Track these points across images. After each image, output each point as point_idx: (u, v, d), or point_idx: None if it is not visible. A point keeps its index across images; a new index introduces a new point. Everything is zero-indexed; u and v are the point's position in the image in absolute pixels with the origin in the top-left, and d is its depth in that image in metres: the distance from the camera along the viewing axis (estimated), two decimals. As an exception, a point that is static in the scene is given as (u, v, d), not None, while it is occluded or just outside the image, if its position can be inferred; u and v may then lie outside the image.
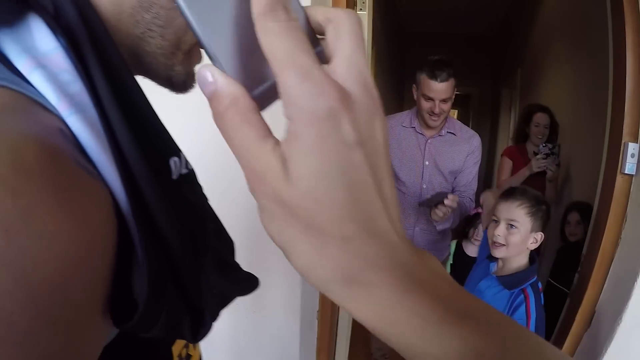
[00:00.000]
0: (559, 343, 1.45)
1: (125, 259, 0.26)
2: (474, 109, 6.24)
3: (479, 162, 1.85)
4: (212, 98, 0.21)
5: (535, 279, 1.25)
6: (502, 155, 2.51)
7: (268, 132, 0.21)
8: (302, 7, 0.24)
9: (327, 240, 0.20)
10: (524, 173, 2.26)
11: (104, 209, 0.25)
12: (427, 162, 1.83)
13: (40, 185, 0.20)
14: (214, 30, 0.21)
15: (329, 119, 0.19)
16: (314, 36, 0.24)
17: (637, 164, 1.26)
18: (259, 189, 0.21)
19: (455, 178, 1.85)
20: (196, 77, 0.21)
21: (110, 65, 0.28)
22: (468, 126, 1.89)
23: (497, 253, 1.26)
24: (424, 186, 1.84)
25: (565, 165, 2.43)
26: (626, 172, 1.27)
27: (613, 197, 1.30)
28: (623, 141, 1.29)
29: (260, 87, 0.22)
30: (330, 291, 0.21)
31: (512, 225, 1.24)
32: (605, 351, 1.23)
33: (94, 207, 0.24)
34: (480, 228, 2.10)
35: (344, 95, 0.19)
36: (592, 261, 1.37)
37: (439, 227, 1.78)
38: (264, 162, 0.20)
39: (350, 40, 0.22)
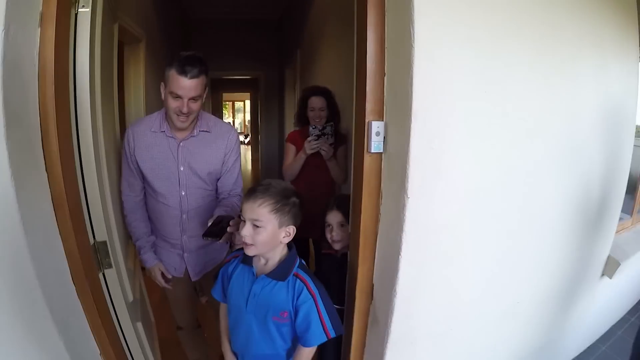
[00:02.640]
0: (350, 318, 1.43)
1: None
2: (262, 92, 6.30)
3: (240, 156, 1.71)
4: None
5: (298, 261, 1.28)
6: (285, 141, 2.45)
7: None
8: None
9: None
10: (300, 156, 2.26)
11: None
12: (182, 168, 1.59)
13: None
14: None
15: None
16: None
17: (383, 142, 1.25)
18: None
19: (218, 179, 1.67)
20: None
21: None
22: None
23: (249, 252, 1.21)
24: (183, 193, 1.62)
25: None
26: (372, 150, 1.24)
27: (364, 177, 1.26)
28: (367, 120, 1.25)
29: None
30: None
31: (257, 225, 1.18)
32: (391, 321, 1.24)
33: None
34: None
35: None
36: (356, 239, 1.34)
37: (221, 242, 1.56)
38: None
39: None
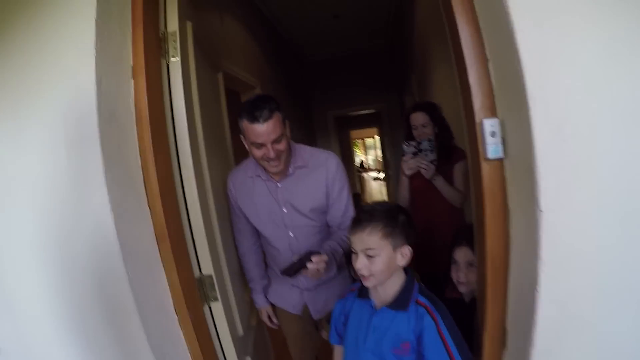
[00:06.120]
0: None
1: None
2: (386, 124, 6.16)
3: (346, 183, 1.52)
4: None
5: (417, 285, 1.15)
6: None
7: None
8: None
9: None
10: (402, 179, 1.99)
11: None
12: (284, 209, 1.50)
13: None
14: None
15: None
16: None
17: (502, 144, 0.94)
18: None
19: (325, 212, 1.53)
20: None
21: None
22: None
23: (368, 283, 1.12)
24: (291, 234, 1.52)
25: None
26: (490, 156, 0.94)
27: (484, 192, 0.96)
28: (477, 119, 0.97)
29: None
30: None
31: (370, 255, 1.08)
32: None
33: None
34: None
35: None
36: (483, 273, 1.02)
37: (323, 278, 1.46)
38: None
39: None
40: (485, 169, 0.97)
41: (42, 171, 1.16)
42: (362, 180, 12.47)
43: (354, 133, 12.29)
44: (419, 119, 2.02)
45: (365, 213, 1.13)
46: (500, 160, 0.96)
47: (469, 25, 0.97)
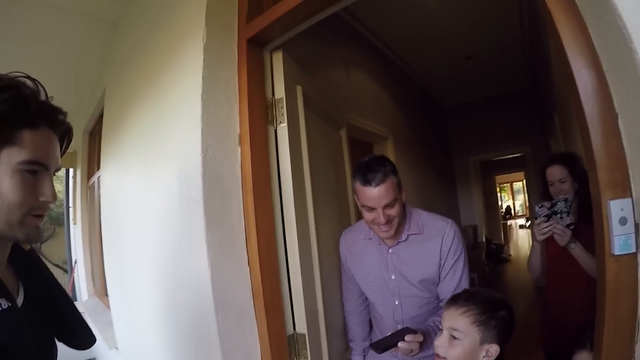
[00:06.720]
0: None
1: None
2: (530, 169, 5.42)
3: (463, 254, 1.38)
4: None
5: None
6: None
7: None
8: None
9: None
10: (534, 246, 1.70)
11: None
12: (393, 276, 1.41)
13: None
14: None
15: None
16: None
17: (636, 235, 0.71)
18: None
19: (437, 284, 1.40)
20: None
21: None
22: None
23: None
24: (396, 302, 1.42)
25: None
26: (617, 252, 0.72)
27: (606, 296, 0.74)
28: (602, 199, 0.76)
29: None
30: None
31: (454, 337, 1.01)
32: None
33: None
34: None
35: None
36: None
37: (420, 355, 1.31)
38: None
39: None
40: (611, 267, 0.74)
41: (162, 220, 1.39)
42: (507, 228, 11.10)
43: (500, 177, 11.18)
44: (555, 173, 1.71)
45: (466, 293, 1.09)
46: (632, 256, 0.73)
47: (588, 70, 0.78)
